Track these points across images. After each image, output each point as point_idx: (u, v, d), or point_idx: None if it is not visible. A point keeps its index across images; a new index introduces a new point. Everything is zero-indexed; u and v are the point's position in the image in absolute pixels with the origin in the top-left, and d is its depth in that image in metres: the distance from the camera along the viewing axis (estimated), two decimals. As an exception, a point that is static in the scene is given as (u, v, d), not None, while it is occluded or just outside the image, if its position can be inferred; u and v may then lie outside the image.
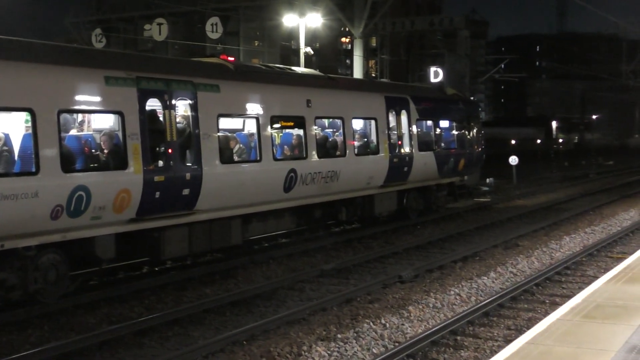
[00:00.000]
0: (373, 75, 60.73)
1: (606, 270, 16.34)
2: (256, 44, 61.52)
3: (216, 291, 14.99)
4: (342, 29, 55.78)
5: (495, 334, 12.12)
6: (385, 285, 15.41)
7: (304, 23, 38.60)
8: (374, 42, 64.04)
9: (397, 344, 11.39)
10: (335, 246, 20.15)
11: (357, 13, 41.22)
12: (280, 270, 17.10)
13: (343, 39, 72.76)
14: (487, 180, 38.46)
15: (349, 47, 65.35)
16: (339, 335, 11.75)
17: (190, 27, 61.23)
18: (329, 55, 71.24)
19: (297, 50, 40.99)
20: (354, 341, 11.52)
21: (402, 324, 12.56)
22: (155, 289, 14.93)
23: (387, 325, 12.45)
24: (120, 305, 13.78)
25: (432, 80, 44.04)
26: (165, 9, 55.62)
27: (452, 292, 14.81)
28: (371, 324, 12.44)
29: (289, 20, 40.17)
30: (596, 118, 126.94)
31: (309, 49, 39.65)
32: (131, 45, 61.06)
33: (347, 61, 69.65)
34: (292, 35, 53.34)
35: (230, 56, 20.09)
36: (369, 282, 15.72)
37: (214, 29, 39.80)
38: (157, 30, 41.02)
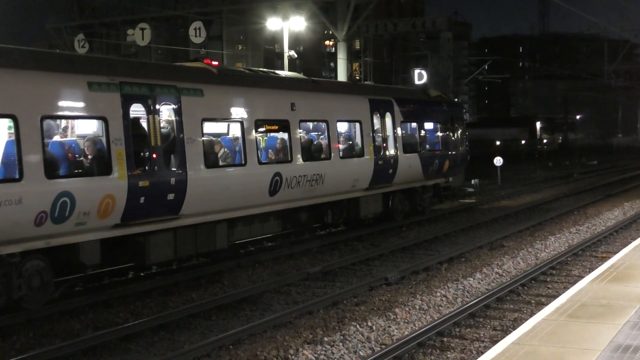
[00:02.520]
0: (357, 77, 60.82)
1: (591, 269, 16.42)
2: (240, 48, 61.45)
3: (202, 295, 14.96)
4: (326, 32, 55.85)
5: (481, 335, 12.15)
6: (372, 288, 15.41)
7: (287, 26, 38.62)
8: (357, 45, 64.16)
9: (383, 346, 11.40)
10: (321, 249, 20.15)
11: (340, 16, 41.32)
12: (266, 274, 17.08)
13: (327, 42, 72.83)
14: (472, 181, 38.56)
15: (333, 50, 65.45)
16: (325, 339, 11.75)
17: (173, 32, 61.12)
18: (313, 58, 71.30)
19: (281, 54, 41.02)
20: (341, 344, 11.52)
21: (389, 326, 12.57)
22: (140, 294, 14.88)
23: (374, 327, 12.46)
24: (105, 311, 13.72)
25: (416, 82, 44.20)
26: (148, 14, 55.51)
27: (438, 294, 14.83)
28: (358, 326, 12.44)
29: (273, 23, 40.20)
30: (579, 118, 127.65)
31: (292, 53, 39.72)
32: (114, 50, 60.88)
33: (331, 64, 69.74)
34: (276, 39, 53.41)
35: (214, 60, 20.04)
36: (355, 284, 15.72)
37: (197, 33, 39.76)
38: (140, 35, 40.93)
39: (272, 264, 18.10)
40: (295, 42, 48.14)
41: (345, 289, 15.21)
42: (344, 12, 41.18)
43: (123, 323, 12.79)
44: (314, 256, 19.25)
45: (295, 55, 43.55)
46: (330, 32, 45.94)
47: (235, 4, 51.85)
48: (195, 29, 39.97)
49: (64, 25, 55.71)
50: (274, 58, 62.03)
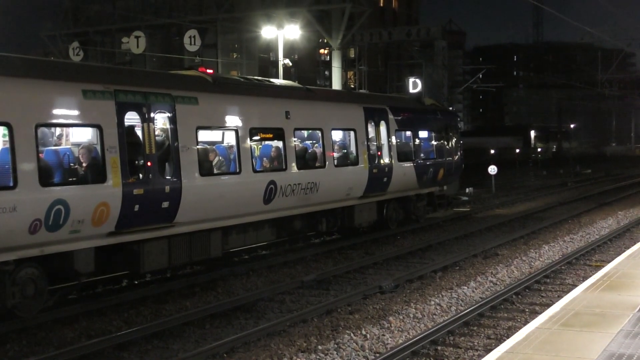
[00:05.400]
0: (352, 86, 60.91)
1: (585, 278, 16.44)
2: (234, 56, 61.50)
3: (196, 304, 14.94)
4: (320, 40, 55.93)
5: (475, 344, 12.15)
6: (366, 296, 15.41)
7: (282, 35, 38.69)
8: (352, 54, 64.29)
9: (377, 355, 11.40)
10: (315, 257, 20.14)
11: (335, 25, 41.41)
12: (260, 282, 17.07)
13: (321, 51, 73.05)
14: (467, 189, 38.60)
15: (328, 59, 65.51)
16: (319, 347, 11.74)
17: (168, 40, 61.15)
18: (308, 66, 71.46)
19: (276, 62, 41.09)
20: (335, 352, 11.51)
21: (383, 335, 12.57)
22: (134, 303, 14.85)
23: (368, 336, 12.45)
24: (99, 319, 13.69)
25: (411, 90, 44.26)
26: (142, 22, 55.53)
27: (432, 302, 14.83)
28: (352, 335, 12.43)
29: (267, 32, 40.27)
30: (573, 127, 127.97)
31: (287, 61, 39.74)
32: (109, 58, 60.87)
33: (326, 72, 69.86)
34: (271, 47, 53.43)
35: (209, 68, 20.08)
36: (349, 293, 15.72)
37: (191, 41, 39.77)
38: (135, 43, 40.93)
39: (267, 272, 18.09)
40: (290, 51, 48.22)
41: (340, 297, 15.20)
42: (338, 20, 41.26)
43: (117, 331, 12.77)
44: (308, 264, 19.25)
45: (290, 64, 43.59)
46: (325, 41, 45.99)
47: (230, 12, 51.87)
48: (190, 37, 39.99)
49: (59, 32, 55.63)
50: (269, 66, 62.10)
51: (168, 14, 56.37)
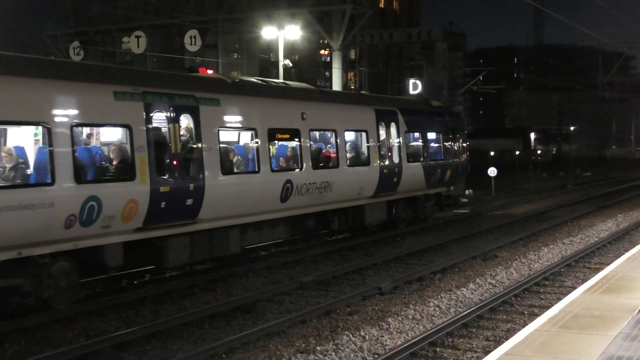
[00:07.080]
0: (352, 87, 60.90)
1: (584, 280, 16.45)
2: (235, 57, 61.52)
3: (195, 304, 14.95)
4: (321, 41, 55.96)
5: (474, 345, 12.15)
6: (365, 297, 15.42)
7: (282, 36, 38.71)
8: (352, 55, 64.29)
9: (376, 356, 11.39)
10: (314, 258, 20.16)
11: (336, 26, 41.39)
12: (259, 283, 17.08)
13: (322, 51, 73.05)
14: (466, 191, 38.58)
15: (328, 60, 65.50)
16: (318, 348, 11.74)
17: (168, 40, 61.14)
18: (308, 67, 71.49)
19: (276, 63, 41.07)
20: (334, 353, 11.51)
21: (382, 336, 12.57)
22: (133, 303, 14.87)
23: (367, 337, 12.45)
24: (98, 319, 13.71)
25: (411, 91, 44.21)
26: (143, 22, 55.53)
27: (431, 304, 14.83)
28: (350, 336, 12.43)
29: (268, 32, 40.30)
30: (574, 129, 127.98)
31: (287, 62, 39.74)
32: (109, 58, 60.87)
33: (327, 73, 69.82)
34: (271, 48, 53.45)
35: (210, 68, 20.22)
36: (348, 294, 15.72)
37: (192, 41, 39.76)
38: (136, 43, 40.94)
39: (266, 273, 18.11)
40: (290, 51, 48.21)
41: (339, 298, 15.21)
42: (339, 21, 41.25)
43: (116, 331, 12.77)
44: (308, 265, 19.26)
45: (291, 64, 43.57)
46: (326, 42, 45.98)
47: (231, 12, 51.85)
48: (190, 37, 39.97)
49: (60, 32, 55.65)
50: (269, 67, 62.10)
51: (169, 14, 56.35)
